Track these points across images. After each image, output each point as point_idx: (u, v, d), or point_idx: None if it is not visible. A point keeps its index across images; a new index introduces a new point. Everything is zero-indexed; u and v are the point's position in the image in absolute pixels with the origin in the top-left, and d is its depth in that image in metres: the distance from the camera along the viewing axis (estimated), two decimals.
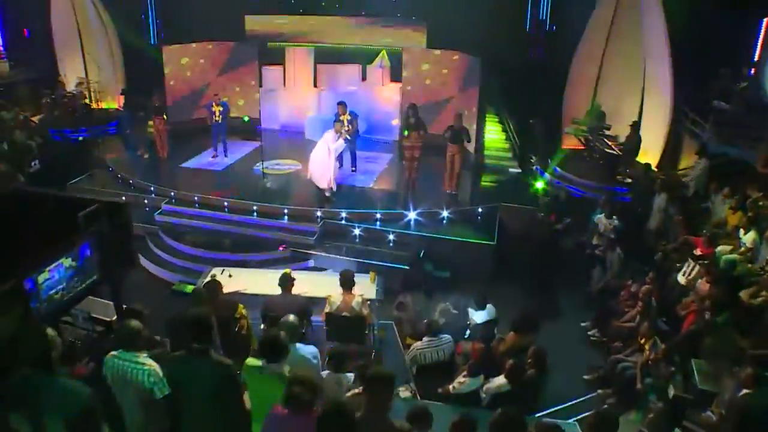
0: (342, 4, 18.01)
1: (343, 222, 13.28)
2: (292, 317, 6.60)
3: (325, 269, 12.44)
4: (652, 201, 12.58)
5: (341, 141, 13.74)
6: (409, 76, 17.54)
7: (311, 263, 12.69)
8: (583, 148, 16.07)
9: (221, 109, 16.45)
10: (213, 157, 16.83)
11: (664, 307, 9.80)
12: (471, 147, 15.40)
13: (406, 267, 12.04)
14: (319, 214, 13.45)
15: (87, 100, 21.17)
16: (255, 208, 13.85)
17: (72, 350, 7.12)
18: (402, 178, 15.00)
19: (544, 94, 16.46)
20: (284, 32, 18.58)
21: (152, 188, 15.18)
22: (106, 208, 7.90)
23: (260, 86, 19.03)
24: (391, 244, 12.86)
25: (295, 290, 8.85)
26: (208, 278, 9.91)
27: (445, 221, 13.33)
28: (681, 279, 10.10)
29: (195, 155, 17.15)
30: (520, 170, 15.70)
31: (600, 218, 12.00)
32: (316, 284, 9.65)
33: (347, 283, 8.59)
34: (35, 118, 20.43)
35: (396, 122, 17.64)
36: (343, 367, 6.73)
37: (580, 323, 11.03)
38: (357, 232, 13.03)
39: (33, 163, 17.12)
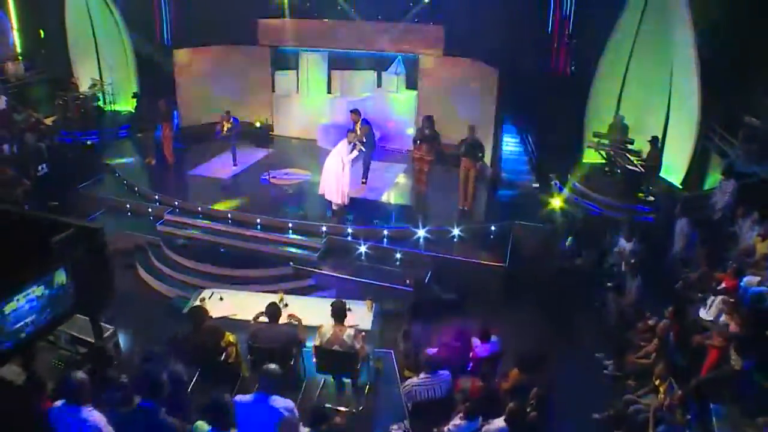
0: (357, 9, 17.38)
1: (349, 238, 12.72)
2: (273, 366, 6.04)
3: (329, 287, 11.93)
4: (674, 223, 11.82)
5: (355, 152, 13.19)
6: (425, 84, 16.96)
7: (313, 281, 12.15)
8: (604, 163, 15.32)
9: (230, 125, 16.07)
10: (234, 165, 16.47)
11: (683, 343, 9.09)
12: (488, 159, 14.80)
13: (411, 289, 11.43)
14: (324, 228, 12.92)
15: (100, 102, 20.94)
16: (258, 220, 13.36)
17: (38, 384, 6.69)
18: (413, 192, 14.40)
19: (565, 106, 15.75)
20: (298, 37, 18.05)
21: (156, 196, 14.75)
22: (82, 233, 7.45)
23: (273, 91, 18.57)
24: (398, 263, 12.29)
25: (292, 312, 8.51)
26: (197, 301, 9.47)
27: (455, 239, 12.73)
28: (703, 314, 9.39)
29: (204, 161, 16.75)
30: (537, 185, 15.01)
31: (620, 242, 11.32)
32: (313, 309, 9.04)
33: (339, 315, 8.04)
34: (49, 120, 20.19)
35: (411, 131, 17.05)
36: (321, 426, 6.13)
37: (596, 354, 10.38)
38: (363, 249, 12.47)
39: (41, 167, 16.81)
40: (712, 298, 9.36)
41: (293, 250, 12.70)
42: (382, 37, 17.26)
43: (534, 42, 15.78)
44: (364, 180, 15.07)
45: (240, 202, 14.18)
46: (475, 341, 8.98)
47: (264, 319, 8.19)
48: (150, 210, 14.58)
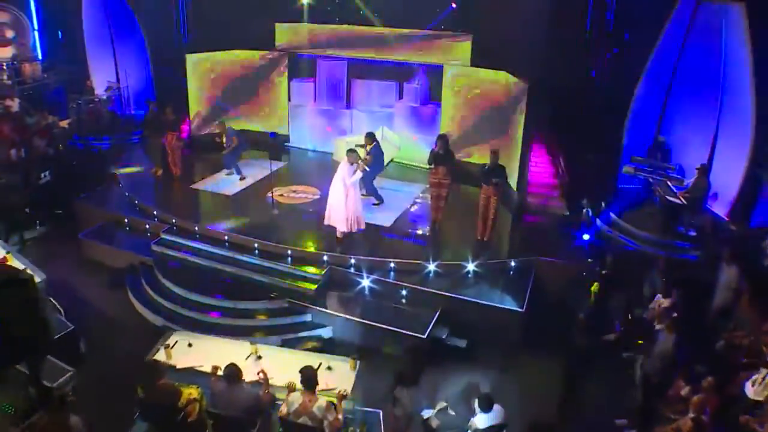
0: (380, 15, 16.11)
1: (352, 270, 11.47)
2: None
3: (325, 325, 10.73)
4: (719, 268, 10.23)
5: (358, 174, 11.90)
6: (449, 97, 15.61)
7: (309, 317, 10.94)
8: (642, 189, 13.79)
9: (225, 135, 15.24)
10: (241, 179, 15.43)
11: (723, 423, 7.61)
12: (513, 181, 13.41)
13: (417, 335, 10.14)
14: (325, 258, 11.69)
15: (113, 106, 20.15)
16: (256, 245, 12.20)
17: None
18: (428, 219, 13.11)
19: (601, 126, 14.25)
20: (317, 43, 16.89)
21: (155, 212, 13.73)
22: (10, 284, 6.41)
23: (288, 100, 17.43)
24: (404, 300, 11.00)
25: (264, 368, 7.50)
26: (162, 348, 8.35)
27: (470, 275, 11.38)
28: (749, 390, 7.84)
29: (211, 174, 15.76)
30: (567, 213, 13.56)
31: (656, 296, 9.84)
32: (292, 364, 7.77)
33: (309, 383, 6.82)
34: (64, 123, 19.42)
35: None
36: None
37: (616, 420, 8.97)
38: (366, 283, 11.20)
39: (43, 175, 15.99)
40: (764, 372, 7.76)
41: (289, 282, 11.49)
42: (405, 45, 15.99)
43: (569, 54, 14.25)
44: (377, 202, 13.92)
45: (241, 223, 13.08)
46: (475, 408, 7.67)
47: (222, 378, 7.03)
48: (147, 226, 13.63)
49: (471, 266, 11.38)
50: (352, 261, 11.56)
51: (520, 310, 10.44)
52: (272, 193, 13.79)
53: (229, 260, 12.14)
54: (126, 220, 13.97)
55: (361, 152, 12.98)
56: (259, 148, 16.83)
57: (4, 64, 20.64)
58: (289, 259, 11.88)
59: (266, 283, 11.52)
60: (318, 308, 10.88)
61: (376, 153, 13.48)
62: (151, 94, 19.55)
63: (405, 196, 14.42)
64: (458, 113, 15.59)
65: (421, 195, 14.60)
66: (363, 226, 12.21)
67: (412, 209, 13.92)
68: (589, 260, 11.36)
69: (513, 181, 13.60)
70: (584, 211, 13.16)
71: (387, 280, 11.25)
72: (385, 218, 13.28)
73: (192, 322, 10.90)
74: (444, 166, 12.11)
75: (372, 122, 16.19)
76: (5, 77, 20.30)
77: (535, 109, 13.45)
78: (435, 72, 16.02)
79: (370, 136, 13.43)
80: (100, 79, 20.38)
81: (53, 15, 21.00)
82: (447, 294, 10.83)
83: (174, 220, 13.33)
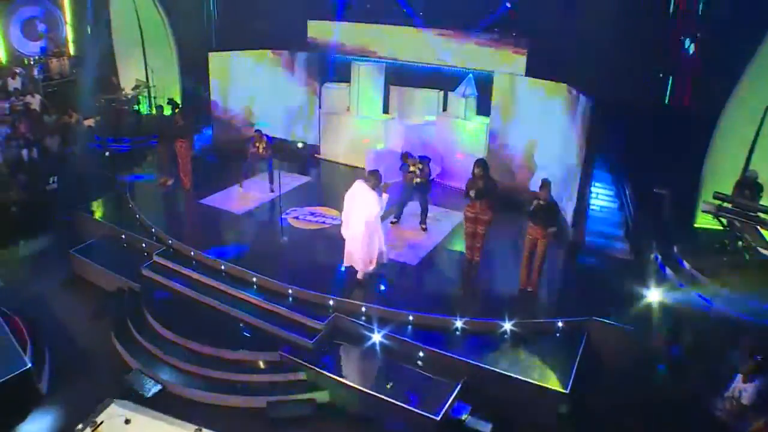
0: (424, 14, 13.90)
1: (362, 321, 9.30)
2: None
3: (321, 387, 8.59)
4: None
5: (384, 200, 9.73)
6: (500, 111, 13.29)
7: (302, 376, 8.82)
8: (725, 233, 11.15)
9: (264, 144, 13.38)
10: (271, 191, 13.48)
11: None
12: (568, 215, 11.08)
13: (429, 416, 7.88)
14: (331, 303, 9.55)
15: (142, 107, 18.52)
16: (254, 279, 10.17)
17: None
18: (463, 260, 10.84)
19: (678, 152, 11.68)
20: (352, 44, 14.80)
21: (153, 229, 11.91)
22: None
23: (319, 107, 15.39)
24: (419, 364, 8.77)
25: None
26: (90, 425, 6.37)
27: (505, 338, 9.05)
28: None
29: (229, 185, 13.95)
30: (631, 257, 11.10)
31: (735, 378, 7.37)
32: None
33: None
34: (89, 122, 17.92)
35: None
36: None
37: None
38: (377, 338, 9.01)
39: (51, 180, 14.43)
40: None
41: (286, 330, 9.38)
42: (451, 48, 13.73)
43: (642, 66, 11.78)
44: (423, 226, 11.92)
45: (243, 250, 11.09)
46: None
47: None
48: (144, 245, 11.82)
49: (507, 325, 9.05)
50: (363, 309, 9.38)
51: (563, 391, 8.04)
52: (287, 214, 11.75)
53: (222, 296, 10.17)
54: (123, 236, 12.19)
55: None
56: (287, 160, 14.92)
57: (32, 59, 19.33)
58: (290, 299, 9.80)
59: (260, 330, 9.47)
60: (314, 367, 8.71)
61: (426, 159, 11.68)
62: (178, 94, 17.82)
63: (440, 228, 12.13)
64: (509, 130, 13.25)
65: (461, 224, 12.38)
66: (387, 258, 10.20)
67: (448, 246, 11.61)
68: (663, 326, 8.89)
69: (568, 214, 11.24)
70: (652, 257, 10.67)
71: (402, 338, 9.00)
72: (412, 254, 11.05)
73: (167, 369, 9.12)
74: (483, 200, 9.85)
75: (410, 135, 14.05)
76: (35, 72, 19.02)
77: (599, 130, 11.05)
78: (485, 81, 13.72)
79: (409, 158, 11.54)
80: (128, 77, 18.79)
81: (84, 8, 19.53)
82: (473, 362, 8.51)
83: (170, 241, 11.48)
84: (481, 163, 9.97)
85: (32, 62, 19.17)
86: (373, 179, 9.67)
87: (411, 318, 9.24)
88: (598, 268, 10.82)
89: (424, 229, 11.84)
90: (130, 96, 18.29)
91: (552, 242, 9.77)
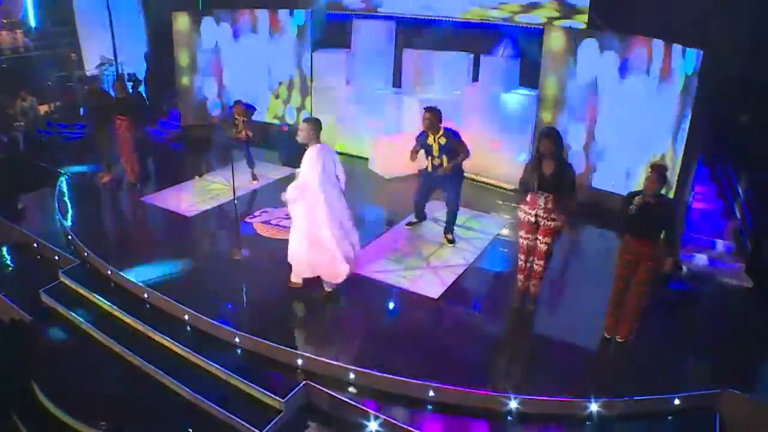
0: None
1: (350, 396, 5.34)
2: None
3: None
4: None
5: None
6: (553, 79, 9.27)
7: None
8: None
9: (245, 119, 9.69)
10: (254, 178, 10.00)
11: None
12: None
13: None
14: (299, 362, 5.60)
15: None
16: (187, 317, 6.26)
17: None
18: (512, 291, 6.72)
19: None
20: None
21: (70, 236, 8.09)
22: None
23: (311, 80, 11.42)
24: None
25: None
26: None
27: (591, 423, 5.06)
28: None
29: (188, 178, 10.14)
30: (750, 284, 7.08)
31: None
32: None
33: None
34: (44, 108, 14.26)
35: (524, 158, 9.49)
36: None
37: None
38: (373, 427, 5.04)
39: None
40: None
41: (224, 410, 5.40)
42: None
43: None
44: (450, 236, 7.88)
45: (181, 271, 7.23)
46: None
47: None
48: (57, 258, 8.04)
49: (594, 406, 5.07)
50: (351, 376, 5.41)
51: None
52: (253, 217, 7.81)
53: (139, 342, 6.29)
54: (36, 245, 8.41)
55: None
56: (268, 146, 11.09)
57: None
58: (237, 351, 5.89)
59: (185, 401, 5.56)
60: None
61: (454, 135, 7.53)
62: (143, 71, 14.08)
63: (471, 241, 8.07)
64: (563, 106, 9.25)
65: (505, 228, 8.40)
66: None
67: (485, 268, 7.52)
68: None
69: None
70: None
71: (415, 430, 5.02)
72: (431, 282, 7.01)
73: None
74: (547, 194, 5.86)
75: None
76: None
77: (707, 111, 7.13)
78: (531, 40, 9.73)
79: (432, 112, 7.47)
80: (93, 53, 15.00)
81: None
82: None
83: (86, 254, 7.64)
84: (550, 133, 5.88)
85: None
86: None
87: (431, 393, 5.26)
88: (710, 304, 6.81)
89: (450, 241, 7.87)
90: (89, 75, 14.47)
91: (651, 275, 5.71)
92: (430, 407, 5.26)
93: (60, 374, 6.15)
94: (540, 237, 6.05)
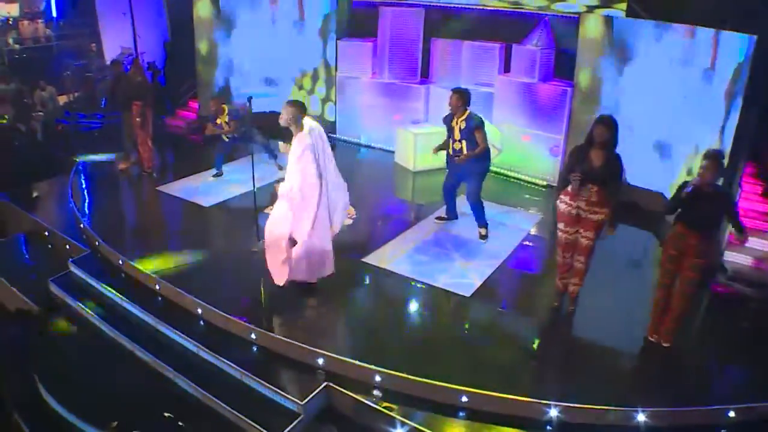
0: None
1: (374, 399, 4.86)
2: None
3: None
4: None
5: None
6: (588, 70, 8.75)
7: None
8: None
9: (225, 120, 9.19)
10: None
11: None
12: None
13: None
14: (320, 361, 5.13)
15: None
16: (199, 311, 5.82)
17: None
18: (551, 292, 6.19)
19: None
20: None
21: (83, 224, 7.70)
22: None
23: (335, 70, 11.00)
24: None
25: None
26: None
27: None
28: None
29: (204, 169, 9.65)
30: None
31: None
32: None
33: None
34: (63, 98, 13.97)
35: (557, 151, 9.01)
36: None
37: None
38: None
39: None
40: None
41: (237, 411, 4.94)
42: None
43: None
44: (484, 231, 7.33)
45: (195, 263, 6.79)
46: None
47: None
48: (67, 247, 7.66)
49: (642, 416, 4.55)
50: (378, 378, 4.94)
51: None
52: (268, 209, 7.36)
53: (149, 336, 5.86)
54: (47, 233, 8.06)
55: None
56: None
57: None
58: (253, 348, 5.44)
59: (196, 401, 5.13)
60: None
61: (474, 121, 7.01)
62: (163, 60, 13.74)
63: (504, 237, 7.54)
64: (600, 98, 8.71)
65: (535, 227, 7.89)
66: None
67: (518, 267, 7.04)
68: None
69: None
70: None
71: None
72: (463, 279, 6.51)
73: None
74: (603, 185, 5.33)
75: None
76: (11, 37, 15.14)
77: (761, 102, 6.65)
78: (565, 27, 9.21)
79: (461, 93, 7.02)
80: (113, 43, 14.67)
81: None
82: None
83: (98, 243, 7.25)
84: (608, 120, 5.29)
85: None
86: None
87: (464, 399, 4.77)
88: (757, 307, 6.28)
89: (482, 236, 7.37)
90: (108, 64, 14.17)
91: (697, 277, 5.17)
92: (462, 414, 4.78)
93: (64, 370, 5.74)
94: (582, 231, 5.52)
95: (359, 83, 10.86)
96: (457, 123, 7.01)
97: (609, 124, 5.27)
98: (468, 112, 6.98)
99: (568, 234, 5.60)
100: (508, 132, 9.48)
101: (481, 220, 7.36)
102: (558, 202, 5.65)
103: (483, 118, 7.11)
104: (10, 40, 15.17)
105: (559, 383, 5.07)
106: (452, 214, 7.76)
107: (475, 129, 6.93)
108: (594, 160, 5.33)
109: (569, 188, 5.43)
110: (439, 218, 7.82)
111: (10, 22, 15.60)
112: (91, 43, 14.52)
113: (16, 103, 12.20)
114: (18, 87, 12.88)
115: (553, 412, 4.64)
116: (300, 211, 5.64)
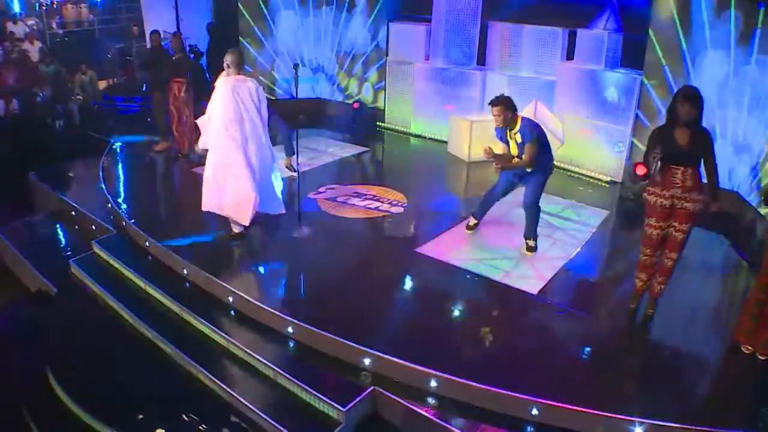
0: None
1: (429, 410, 4.11)
2: None
3: None
4: None
5: None
6: (661, 56, 7.87)
7: None
8: None
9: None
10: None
11: None
12: None
13: None
14: (367, 362, 4.40)
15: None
16: (231, 299, 5.16)
17: None
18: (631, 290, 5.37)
19: None
20: None
21: (110, 204, 7.12)
22: None
23: (387, 55, 10.30)
24: None
25: None
26: None
27: None
28: None
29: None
30: None
31: None
32: None
33: None
34: (103, 83, 13.62)
35: (622, 148, 8.17)
36: None
37: None
38: None
39: None
40: None
41: (268, 416, 4.25)
42: None
43: None
44: (531, 243, 6.21)
45: (228, 247, 6.16)
46: None
47: None
48: (93, 228, 7.12)
49: None
50: (432, 384, 4.19)
51: None
52: (315, 193, 6.68)
53: (172, 327, 5.20)
54: (74, 213, 7.55)
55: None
56: (335, 128, 10.10)
57: (44, 4, 15.10)
58: (289, 345, 4.74)
59: (224, 402, 4.45)
60: None
61: (529, 134, 5.86)
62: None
63: (570, 233, 6.74)
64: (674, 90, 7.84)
65: (602, 223, 7.05)
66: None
67: (590, 262, 6.25)
68: None
69: None
70: None
71: None
72: (529, 275, 5.75)
73: None
74: (696, 166, 4.53)
75: (519, 94, 8.40)
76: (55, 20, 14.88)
77: None
78: (637, 13, 8.34)
79: (504, 105, 5.80)
80: (155, 27, 14.18)
81: None
82: None
83: (124, 224, 6.66)
84: (694, 94, 4.46)
85: (44, 8, 14.92)
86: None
87: (534, 412, 4.00)
88: None
89: (530, 249, 6.19)
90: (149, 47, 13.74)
91: None
92: (530, 429, 4.02)
93: (79, 361, 5.10)
94: (676, 224, 4.70)
95: (411, 68, 10.14)
96: (512, 137, 5.94)
97: (695, 98, 4.46)
98: (520, 120, 5.87)
99: (660, 229, 4.76)
100: (569, 124, 8.67)
101: (532, 230, 6.25)
102: (646, 194, 4.82)
103: (541, 128, 6.03)
104: (54, 24, 14.93)
105: (639, 396, 4.27)
106: (479, 218, 6.68)
107: (526, 145, 5.82)
108: (680, 140, 4.53)
109: (652, 173, 4.62)
110: (470, 227, 6.68)
111: (55, 6, 15.37)
112: (134, 25, 14.14)
113: (54, 85, 11.88)
114: (57, 68, 12.56)
115: (638, 431, 3.84)
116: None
